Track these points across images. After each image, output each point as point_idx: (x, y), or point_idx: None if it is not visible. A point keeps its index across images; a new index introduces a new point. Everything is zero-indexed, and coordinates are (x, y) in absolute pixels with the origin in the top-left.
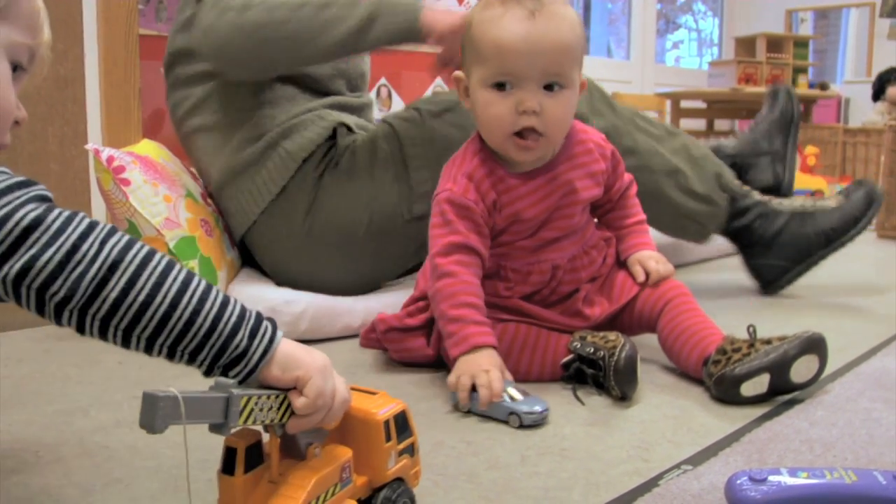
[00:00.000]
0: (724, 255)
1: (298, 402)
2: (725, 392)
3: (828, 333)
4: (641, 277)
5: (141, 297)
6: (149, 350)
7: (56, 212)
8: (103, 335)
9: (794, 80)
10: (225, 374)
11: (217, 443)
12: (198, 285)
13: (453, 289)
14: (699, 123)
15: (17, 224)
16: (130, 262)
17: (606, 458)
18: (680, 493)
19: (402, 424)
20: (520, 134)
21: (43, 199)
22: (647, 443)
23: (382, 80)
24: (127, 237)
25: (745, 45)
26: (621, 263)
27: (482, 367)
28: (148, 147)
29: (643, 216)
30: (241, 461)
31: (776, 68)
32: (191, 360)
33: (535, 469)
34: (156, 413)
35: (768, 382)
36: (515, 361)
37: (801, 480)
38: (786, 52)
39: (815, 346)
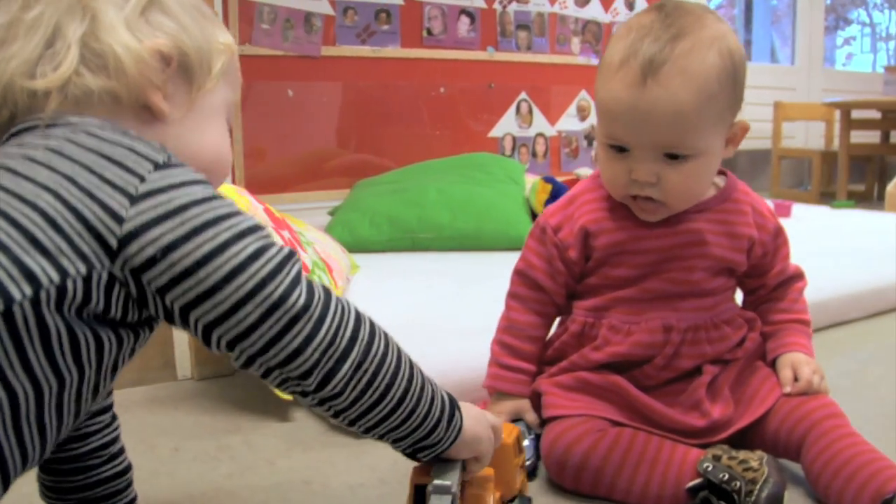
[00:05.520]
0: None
1: (474, 467)
2: None
3: None
4: (789, 387)
5: (374, 398)
6: (360, 430)
7: (316, 297)
8: (334, 417)
9: None
10: (415, 453)
11: None
12: (417, 382)
13: (500, 324)
14: (872, 136)
15: (292, 306)
16: (371, 362)
17: None
18: None
19: (520, 445)
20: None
21: (293, 257)
22: None
23: (523, 95)
24: (368, 325)
25: None
26: (765, 363)
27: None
28: None
29: (808, 317)
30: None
31: None
32: (393, 443)
33: None
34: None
35: None
36: (630, 477)
37: None
38: None
39: None
